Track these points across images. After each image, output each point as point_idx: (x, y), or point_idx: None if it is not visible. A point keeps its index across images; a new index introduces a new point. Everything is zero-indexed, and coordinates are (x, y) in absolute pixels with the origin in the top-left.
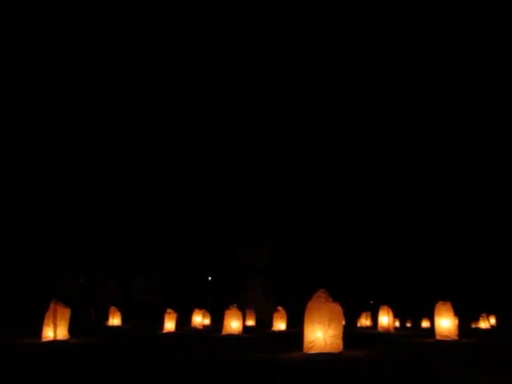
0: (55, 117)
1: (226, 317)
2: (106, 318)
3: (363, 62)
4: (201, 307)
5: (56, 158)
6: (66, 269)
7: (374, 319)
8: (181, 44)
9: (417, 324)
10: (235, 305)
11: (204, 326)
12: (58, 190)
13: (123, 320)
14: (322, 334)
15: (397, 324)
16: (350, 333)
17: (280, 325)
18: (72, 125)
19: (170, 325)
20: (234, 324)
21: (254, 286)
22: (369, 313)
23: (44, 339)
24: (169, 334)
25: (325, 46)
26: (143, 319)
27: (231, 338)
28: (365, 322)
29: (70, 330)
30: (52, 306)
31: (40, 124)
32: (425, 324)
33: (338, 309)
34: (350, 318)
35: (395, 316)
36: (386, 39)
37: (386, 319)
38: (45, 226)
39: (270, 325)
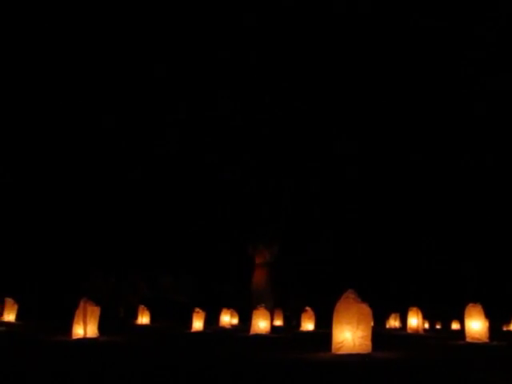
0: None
1: (254, 316)
2: (135, 317)
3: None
4: (229, 307)
5: (85, 162)
6: (97, 268)
7: (403, 320)
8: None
9: (447, 326)
10: (263, 305)
11: (232, 326)
12: (89, 190)
13: (152, 319)
14: (350, 334)
15: (426, 326)
16: (379, 334)
17: (308, 325)
18: (100, 123)
19: (198, 324)
20: (261, 324)
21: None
22: (398, 314)
23: (74, 337)
24: (197, 333)
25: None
26: (172, 318)
27: (259, 337)
28: (393, 323)
29: (100, 328)
30: (82, 304)
31: (63, 127)
32: (455, 326)
33: (366, 309)
34: (379, 319)
35: (425, 317)
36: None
37: (415, 321)
38: (76, 226)
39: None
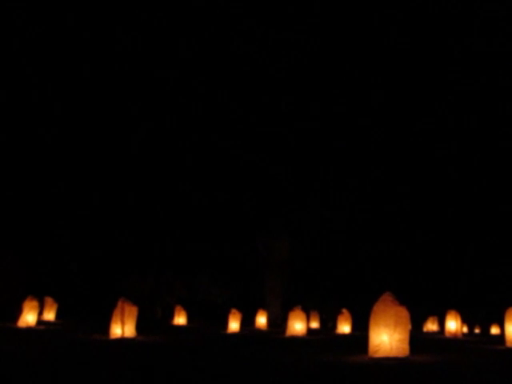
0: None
1: (290, 318)
2: (172, 317)
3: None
4: (265, 308)
5: (127, 167)
6: (135, 268)
7: (441, 324)
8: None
9: (486, 330)
10: (299, 306)
11: (268, 327)
12: (128, 193)
13: (188, 319)
14: (387, 337)
15: (465, 330)
16: (416, 337)
17: (344, 327)
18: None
19: (234, 325)
20: (297, 325)
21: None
22: (435, 317)
23: (112, 336)
24: (233, 334)
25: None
26: (208, 319)
27: (295, 339)
28: (431, 326)
29: (137, 328)
30: (120, 304)
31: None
32: (494, 330)
33: (404, 312)
34: (416, 322)
35: (463, 321)
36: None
37: (453, 324)
38: (115, 227)
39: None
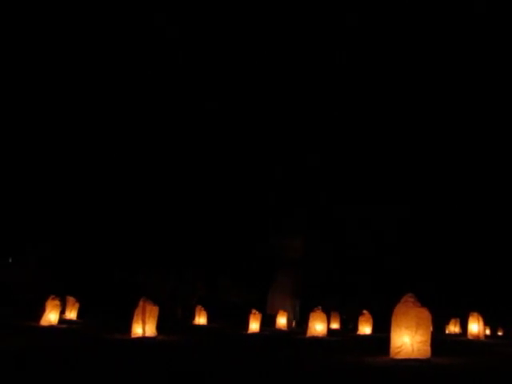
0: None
1: (311, 319)
2: (192, 317)
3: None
4: (286, 309)
5: (142, 167)
6: (157, 268)
7: (464, 326)
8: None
9: (509, 332)
10: (320, 307)
11: (289, 328)
12: (150, 193)
13: (209, 319)
14: (409, 339)
15: (487, 332)
16: (438, 339)
17: (365, 328)
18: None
19: (254, 325)
20: (318, 326)
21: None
22: (458, 319)
23: (133, 335)
24: (253, 334)
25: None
26: (228, 319)
27: (316, 340)
28: (453, 328)
29: (158, 328)
30: (141, 303)
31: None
32: None
33: (426, 314)
34: (438, 324)
35: (486, 323)
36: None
37: (475, 326)
38: (137, 227)
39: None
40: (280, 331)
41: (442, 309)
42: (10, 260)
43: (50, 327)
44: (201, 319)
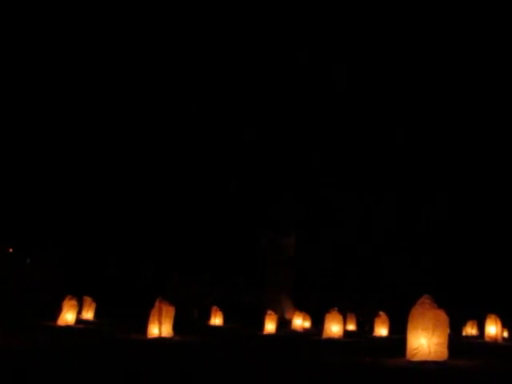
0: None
1: (327, 320)
2: (208, 318)
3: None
4: (301, 309)
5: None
6: (176, 269)
7: (481, 328)
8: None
9: None
10: (336, 308)
11: (304, 329)
12: (168, 196)
13: (225, 320)
14: (425, 341)
15: (505, 334)
16: (455, 341)
17: (382, 330)
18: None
19: (270, 326)
20: (334, 328)
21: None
22: (475, 321)
23: (149, 336)
24: (269, 335)
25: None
26: (244, 320)
27: (332, 341)
28: (470, 330)
29: (175, 328)
30: (157, 304)
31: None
32: None
33: (443, 316)
34: (455, 326)
35: (503, 325)
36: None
37: (493, 329)
38: (152, 228)
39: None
40: (296, 332)
41: (459, 310)
42: (28, 260)
43: (67, 327)
44: (216, 320)
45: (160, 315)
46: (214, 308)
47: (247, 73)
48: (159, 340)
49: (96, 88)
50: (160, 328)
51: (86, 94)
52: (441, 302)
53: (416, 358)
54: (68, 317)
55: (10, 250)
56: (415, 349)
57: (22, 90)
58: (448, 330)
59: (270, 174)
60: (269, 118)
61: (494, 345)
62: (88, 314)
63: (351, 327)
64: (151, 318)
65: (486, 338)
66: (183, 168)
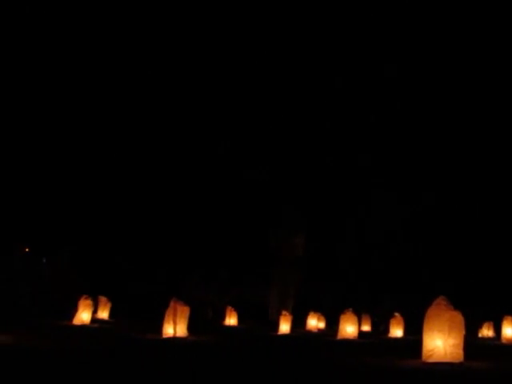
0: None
1: (342, 321)
2: (223, 318)
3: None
4: (316, 310)
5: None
6: (192, 270)
7: (497, 330)
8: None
9: None
10: (350, 309)
11: (319, 330)
12: (178, 193)
13: (239, 320)
14: (441, 342)
15: None
16: (471, 343)
17: (397, 331)
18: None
19: (284, 327)
20: (349, 328)
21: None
22: (491, 323)
23: (164, 336)
24: (283, 336)
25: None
26: (258, 320)
27: (346, 342)
28: (487, 332)
29: (189, 328)
30: (172, 304)
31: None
32: None
33: (458, 317)
34: (471, 327)
35: None
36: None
37: (510, 330)
38: (169, 227)
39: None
40: (310, 333)
41: (475, 312)
42: (44, 260)
43: (83, 326)
44: (231, 320)
45: (175, 315)
46: (229, 308)
47: (265, 68)
48: (174, 340)
49: (99, 89)
50: (175, 328)
51: (95, 95)
52: (457, 304)
53: (431, 360)
54: (83, 316)
55: (27, 249)
56: (431, 350)
57: (30, 92)
58: (464, 332)
59: (282, 171)
60: (281, 115)
61: (511, 347)
62: (103, 314)
63: (366, 328)
64: (166, 318)
65: (503, 340)
66: (198, 168)
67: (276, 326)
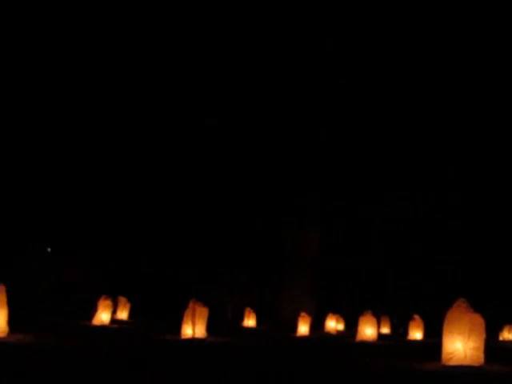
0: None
1: (361, 323)
2: (242, 319)
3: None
4: (335, 312)
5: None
6: (209, 269)
7: None
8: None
9: None
10: (370, 311)
11: (337, 332)
12: (198, 193)
13: (258, 322)
14: (461, 345)
15: None
16: (492, 346)
17: (416, 334)
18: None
19: (303, 328)
20: (368, 331)
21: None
22: None
23: (183, 337)
24: (302, 337)
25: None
26: (277, 321)
27: (365, 344)
28: (507, 335)
29: (208, 329)
30: (191, 305)
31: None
32: None
33: (479, 320)
34: (492, 330)
35: None
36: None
37: None
38: (189, 227)
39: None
40: (329, 335)
41: (496, 315)
42: (63, 260)
43: (102, 327)
44: (250, 321)
45: (194, 316)
46: (248, 309)
47: (272, 65)
48: (193, 341)
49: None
50: (194, 329)
51: (110, 103)
52: (477, 306)
53: (451, 363)
54: (103, 316)
55: (49, 249)
56: (451, 353)
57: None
58: (484, 335)
59: (295, 165)
60: (297, 108)
61: None
62: (122, 314)
63: (385, 330)
64: (185, 319)
65: None
66: (219, 174)
67: (290, 327)
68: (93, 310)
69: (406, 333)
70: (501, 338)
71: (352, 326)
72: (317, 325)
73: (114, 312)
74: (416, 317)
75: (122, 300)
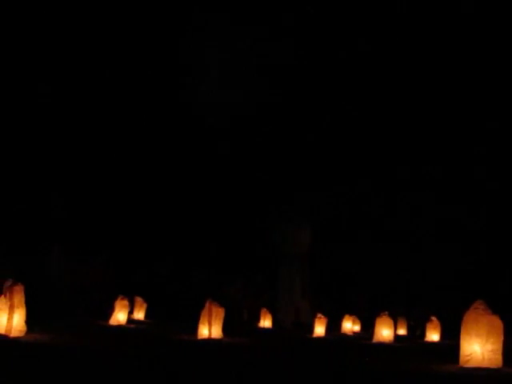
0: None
1: (377, 324)
2: (258, 320)
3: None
4: (351, 313)
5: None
6: (225, 270)
7: None
8: None
9: None
10: (386, 312)
11: (354, 333)
12: (215, 196)
13: (273, 322)
14: (479, 347)
15: None
16: (510, 348)
17: (433, 335)
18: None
19: (319, 330)
20: (385, 332)
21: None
22: None
23: (199, 337)
24: (318, 338)
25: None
26: (292, 323)
27: (382, 346)
28: None
29: (224, 330)
30: (207, 305)
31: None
32: None
33: (497, 322)
34: (510, 332)
35: None
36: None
37: None
38: (204, 229)
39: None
40: (345, 336)
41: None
42: (81, 261)
43: (119, 327)
44: (266, 322)
45: (210, 316)
46: (264, 310)
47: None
48: (209, 341)
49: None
50: (210, 329)
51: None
52: (496, 308)
53: (469, 365)
54: (120, 317)
55: (67, 249)
56: (468, 355)
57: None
58: (502, 337)
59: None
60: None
61: None
62: (139, 314)
63: (402, 332)
64: (201, 320)
65: None
66: (223, 177)
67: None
68: (110, 310)
69: (423, 334)
70: None
71: (369, 327)
72: (333, 326)
73: (130, 312)
74: (433, 318)
75: (139, 300)
